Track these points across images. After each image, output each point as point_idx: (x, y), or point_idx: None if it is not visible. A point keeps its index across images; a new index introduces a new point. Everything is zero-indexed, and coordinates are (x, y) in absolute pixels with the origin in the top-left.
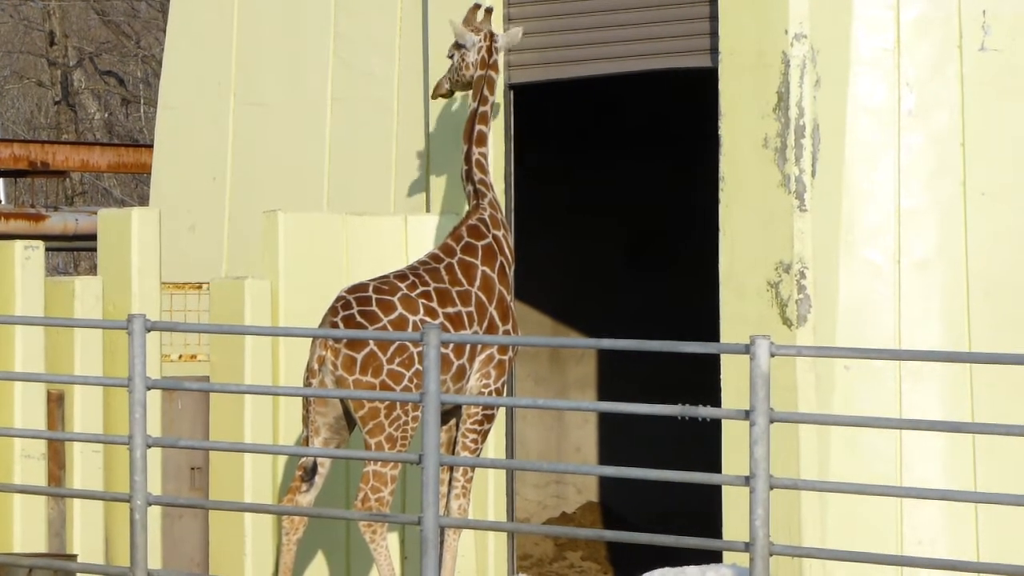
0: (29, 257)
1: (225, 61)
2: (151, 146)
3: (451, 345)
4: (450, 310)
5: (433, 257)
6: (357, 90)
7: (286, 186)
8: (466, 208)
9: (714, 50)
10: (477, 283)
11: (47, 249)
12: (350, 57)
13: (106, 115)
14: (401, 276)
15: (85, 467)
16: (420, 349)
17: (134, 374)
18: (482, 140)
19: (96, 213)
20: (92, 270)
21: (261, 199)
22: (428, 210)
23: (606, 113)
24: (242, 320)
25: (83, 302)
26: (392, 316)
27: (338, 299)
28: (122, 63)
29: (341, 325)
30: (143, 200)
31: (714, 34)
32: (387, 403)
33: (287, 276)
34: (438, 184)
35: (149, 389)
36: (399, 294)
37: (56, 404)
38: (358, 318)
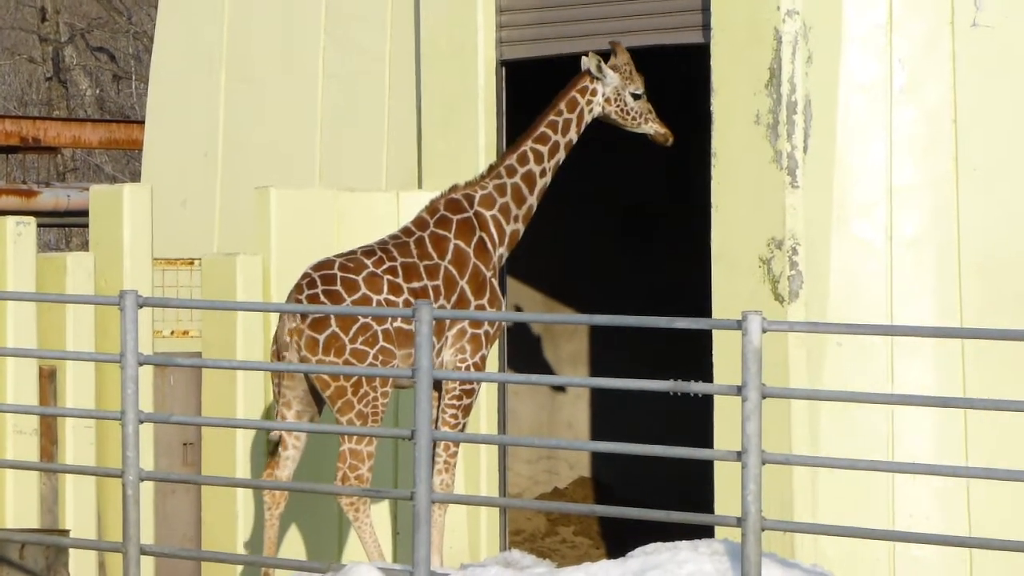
0: (21, 233)
1: (217, 37)
2: (142, 122)
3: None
4: (415, 285)
5: (405, 231)
6: (349, 66)
7: (278, 162)
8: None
9: (706, 26)
10: (448, 256)
11: (39, 225)
12: (342, 32)
13: (97, 91)
14: (368, 252)
15: (77, 443)
16: (384, 327)
17: (126, 350)
18: (542, 140)
19: (88, 189)
20: (84, 246)
21: (253, 175)
22: (420, 186)
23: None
24: (234, 296)
25: (75, 278)
26: (355, 296)
27: (303, 276)
28: (113, 39)
29: (305, 303)
30: (135, 176)
31: (706, 10)
32: (353, 381)
33: (279, 252)
34: (430, 160)
35: (141, 365)
36: (364, 272)
37: (48, 380)
38: (321, 297)
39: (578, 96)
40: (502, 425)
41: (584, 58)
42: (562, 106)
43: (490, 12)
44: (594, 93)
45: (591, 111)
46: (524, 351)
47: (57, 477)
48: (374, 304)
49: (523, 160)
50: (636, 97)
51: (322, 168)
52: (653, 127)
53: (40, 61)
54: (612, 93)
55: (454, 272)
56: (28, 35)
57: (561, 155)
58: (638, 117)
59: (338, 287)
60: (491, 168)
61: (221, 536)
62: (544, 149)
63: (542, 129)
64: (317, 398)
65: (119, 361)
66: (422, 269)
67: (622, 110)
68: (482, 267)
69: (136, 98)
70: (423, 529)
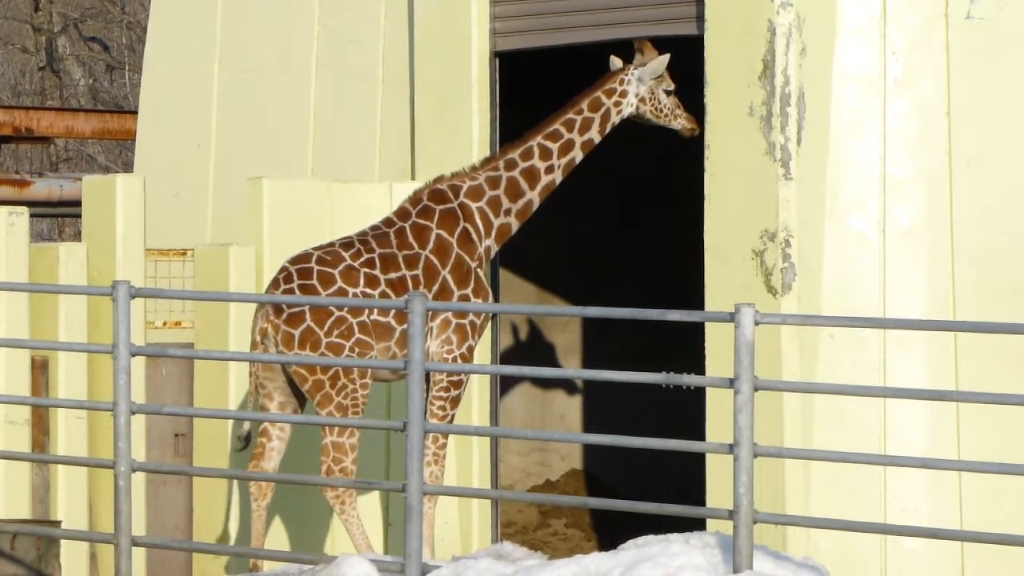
0: (13, 223)
1: (210, 28)
2: (136, 112)
3: (391, 312)
4: (393, 276)
5: (386, 221)
6: (342, 57)
7: (271, 153)
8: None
9: (700, 18)
10: (429, 246)
11: (31, 215)
12: (335, 24)
13: (91, 81)
14: (347, 244)
15: (69, 433)
16: (360, 319)
17: (118, 341)
18: (554, 137)
19: (81, 179)
20: (77, 236)
21: (246, 166)
22: (413, 177)
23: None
24: (227, 287)
25: (67, 268)
26: (331, 289)
27: (281, 270)
28: (107, 29)
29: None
30: (128, 166)
31: (700, 2)
32: (331, 373)
33: (271, 243)
34: (423, 151)
35: (133, 356)
36: (341, 266)
37: (40, 370)
38: (297, 292)
39: (603, 96)
40: (494, 417)
41: (613, 58)
42: (584, 104)
43: (484, 3)
44: (624, 95)
45: (620, 112)
46: (516, 343)
47: (49, 468)
48: (350, 297)
49: (527, 155)
50: (668, 94)
51: (315, 159)
52: (682, 122)
53: (33, 51)
54: (647, 92)
55: (435, 262)
56: (21, 25)
57: (576, 154)
58: (670, 114)
59: (314, 281)
60: (488, 159)
61: (212, 527)
62: (554, 146)
63: (556, 126)
64: (297, 390)
65: (111, 352)
66: (401, 259)
67: (656, 108)
68: (466, 257)
69: (129, 88)
70: (415, 521)
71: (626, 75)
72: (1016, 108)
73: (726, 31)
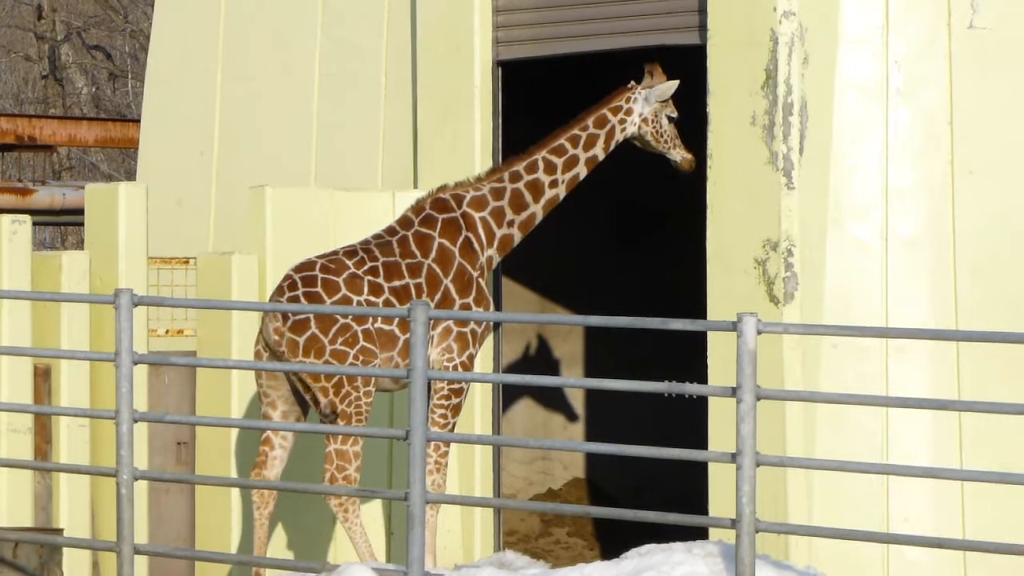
0: (16, 231)
1: (213, 36)
2: (138, 121)
3: (395, 321)
4: (396, 284)
5: (389, 230)
6: (345, 65)
7: (273, 161)
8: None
9: (703, 27)
10: (432, 255)
11: (34, 223)
12: (338, 32)
13: (94, 89)
14: (350, 252)
15: (71, 441)
16: (365, 327)
17: (121, 349)
18: (558, 152)
19: (83, 188)
20: (79, 245)
21: (248, 174)
22: (416, 186)
23: (595, 89)
24: (229, 295)
25: (70, 277)
26: (336, 297)
27: (285, 278)
28: (110, 38)
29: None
30: (130, 175)
31: (703, 11)
32: (335, 381)
33: (274, 251)
34: (426, 160)
35: (136, 364)
36: (345, 274)
37: (43, 378)
38: (302, 300)
39: (609, 114)
40: (496, 426)
41: (632, 83)
42: (589, 121)
43: (487, 12)
44: (629, 113)
45: (624, 130)
46: (519, 353)
47: (51, 476)
48: (354, 305)
49: (532, 168)
50: (670, 120)
51: (318, 167)
52: (680, 152)
53: (36, 59)
54: (651, 114)
55: (437, 270)
56: (24, 33)
57: (580, 170)
58: (669, 141)
59: (318, 289)
60: (493, 171)
61: (215, 535)
62: (558, 161)
63: (561, 141)
64: (301, 399)
65: (114, 360)
66: (404, 268)
67: (657, 132)
68: (467, 266)
69: (132, 97)
70: (417, 529)
71: (633, 94)
72: (1019, 118)
73: (729, 40)
